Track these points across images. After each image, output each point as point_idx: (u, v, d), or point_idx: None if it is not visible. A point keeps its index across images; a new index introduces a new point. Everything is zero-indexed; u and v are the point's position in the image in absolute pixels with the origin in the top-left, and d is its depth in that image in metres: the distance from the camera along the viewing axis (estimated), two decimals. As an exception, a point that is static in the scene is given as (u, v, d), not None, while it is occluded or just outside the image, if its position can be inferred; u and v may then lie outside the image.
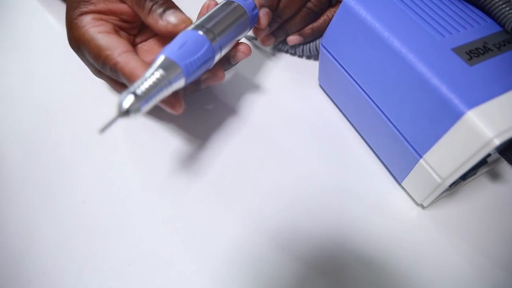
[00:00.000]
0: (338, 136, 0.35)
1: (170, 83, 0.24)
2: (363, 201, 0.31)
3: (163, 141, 0.34)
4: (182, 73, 0.25)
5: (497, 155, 0.28)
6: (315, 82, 0.38)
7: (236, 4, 0.29)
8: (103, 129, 0.22)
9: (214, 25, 0.28)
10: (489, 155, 0.25)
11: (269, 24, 0.36)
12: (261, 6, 0.34)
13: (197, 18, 0.29)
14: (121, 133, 0.35)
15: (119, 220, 0.30)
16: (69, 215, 0.31)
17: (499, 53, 0.26)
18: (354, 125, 0.35)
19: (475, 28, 0.27)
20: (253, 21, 0.32)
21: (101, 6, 0.29)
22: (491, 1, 0.27)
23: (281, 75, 0.39)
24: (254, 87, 0.38)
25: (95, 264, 0.28)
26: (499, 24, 0.27)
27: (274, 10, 0.33)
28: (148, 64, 0.27)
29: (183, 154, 0.34)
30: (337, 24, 0.30)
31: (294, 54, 0.40)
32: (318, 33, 0.38)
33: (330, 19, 0.34)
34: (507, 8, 0.26)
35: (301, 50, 0.39)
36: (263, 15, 0.33)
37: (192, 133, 0.35)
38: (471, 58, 0.25)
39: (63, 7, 0.45)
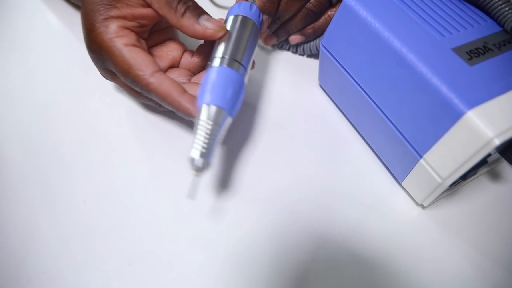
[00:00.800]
0: (338, 136, 0.35)
1: (221, 127, 0.26)
2: (363, 201, 0.31)
3: (163, 140, 0.34)
4: (228, 115, 0.26)
5: (497, 155, 0.28)
6: (315, 81, 0.38)
7: (243, 17, 0.30)
8: (192, 194, 0.25)
9: (238, 53, 0.29)
10: (489, 155, 0.25)
11: (269, 26, 0.36)
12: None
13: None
14: (121, 133, 0.35)
15: (119, 220, 0.30)
16: (69, 215, 0.31)
17: (499, 53, 0.25)
18: (354, 125, 0.35)
19: (475, 28, 0.27)
20: (261, 27, 0.32)
21: (125, 11, 0.29)
22: (490, 1, 0.27)
23: (281, 74, 0.39)
24: (254, 85, 0.38)
25: (95, 264, 0.28)
26: (498, 24, 0.27)
27: (273, 15, 0.34)
28: (179, 84, 0.28)
29: (182, 153, 0.33)
30: (337, 24, 0.30)
31: (295, 52, 0.40)
32: (320, 32, 0.38)
33: (331, 18, 0.34)
34: (507, 8, 0.26)
35: (302, 49, 0.39)
36: (263, 20, 0.34)
37: (191, 132, 0.35)
38: (471, 58, 0.25)
39: (65, 6, 0.45)
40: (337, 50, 0.32)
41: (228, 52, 0.28)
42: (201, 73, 0.33)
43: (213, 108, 0.26)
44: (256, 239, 0.29)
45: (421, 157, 0.27)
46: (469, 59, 0.25)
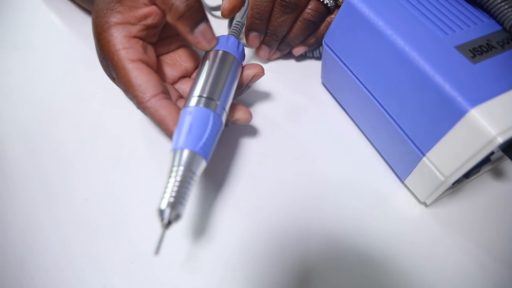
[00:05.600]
0: (341, 134, 0.35)
1: (194, 173, 0.23)
2: (366, 199, 0.31)
3: (165, 139, 0.34)
4: (201, 157, 0.24)
5: (500, 153, 0.28)
6: (318, 80, 0.38)
7: (221, 52, 0.28)
8: (157, 250, 0.22)
9: (216, 91, 0.26)
10: (492, 153, 0.25)
11: (268, 44, 0.35)
12: (248, 31, 0.34)
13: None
14: (122, 132, 0.35)
15: (121, 218, 0.30)
16: (71, 214, 0.31)
17: (502, 51, 0.25)
18: (357, 123, 0.35)
19: (479, 25, 0.27)
20: (242, 58, 0.30)
21: (127, 15, 0.27)
22: (489, 0, 0.27)
23: (284, 73, 0.39)
24: (256, 85, 0.38)
25: (98, 262, 0.28)
26: (498, 22, 0.27)
27: (264, 31, 0.33)
28: (179, 109, 0.27)
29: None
30: (340, 22, 0.30)
31: (312, 57, 0.40)
32: (322, 40, 0.37)
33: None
34: (506, 6, 0.26)
35: (318, 52, 0.39)
36: (253, 37, 0.33)
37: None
38: (475, 56, 0.25)
39: (66, 4, 0.45)
40: (339, 48, 0.32)
41: (206, 90, 0.26)
42: None
43: (186, 153, 0.23)
44: (258, 238, 0.29)
45: (424, 155, 0.27)
46: (472, 57, 0.25)
